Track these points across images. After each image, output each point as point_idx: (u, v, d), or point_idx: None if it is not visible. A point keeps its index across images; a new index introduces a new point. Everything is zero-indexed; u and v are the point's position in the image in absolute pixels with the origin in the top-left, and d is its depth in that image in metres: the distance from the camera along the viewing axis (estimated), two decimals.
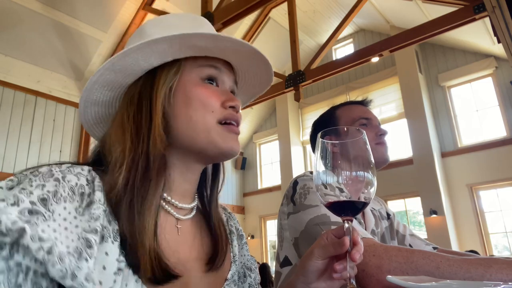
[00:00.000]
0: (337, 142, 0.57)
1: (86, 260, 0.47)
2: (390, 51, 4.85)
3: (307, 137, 9.79)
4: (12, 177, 0.50)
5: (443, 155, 7.80)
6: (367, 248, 0.73)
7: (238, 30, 8.20)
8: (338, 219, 0.76)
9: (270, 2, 4.32)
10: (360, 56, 5.10)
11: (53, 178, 0.50)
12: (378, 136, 1.11)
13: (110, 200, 0.55)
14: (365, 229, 1.09)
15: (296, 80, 5.48)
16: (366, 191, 0.56)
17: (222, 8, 4.46)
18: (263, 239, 10.15)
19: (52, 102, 7.19)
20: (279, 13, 8.38)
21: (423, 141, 7.62)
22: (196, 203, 0.70)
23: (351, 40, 9.77)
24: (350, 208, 0.56)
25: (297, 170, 9.46)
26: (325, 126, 1.02)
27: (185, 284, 0.59)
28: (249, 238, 10.09)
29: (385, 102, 8.70)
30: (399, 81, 8.34)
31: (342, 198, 0.55)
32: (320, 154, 0.57)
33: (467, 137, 7.79)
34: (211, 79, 0.65)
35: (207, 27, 0.71)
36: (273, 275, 1.13)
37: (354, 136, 0.57)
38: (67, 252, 0.46)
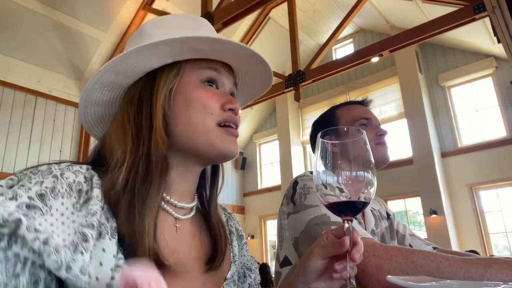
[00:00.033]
0: (337, 142, 0.57)
1: (82, 253, 0.48)
2: (390, 51, 4.85)
3: (307, 137, 9.79)
4: (12, 176, 0.51)
5: (443, 155, 7.80)
6: (367, 248, 0.73)
7: (238, 30, 8.20)
8: (338, 219, 0.76)
9: (270, 2, 4.32)
10: (360, 56, 5.10)
11: (52, 175, 0.51)
12: (378, 136, 1.12)
13: (109, 199, 0.55)
14: (365, 229, 1.09)
15: (296, 80, 5.48)
16: (366, 191, 0.56)
17: (222, 8, 4.47)
18: (263, 239, 10.15)
19: (52, 102, 7.20)
20: (279, 13, 8.38)
21: (423, 141, 7.62)
22: (195, 203, 0.70)
23: (351, 40, 9.77)
24: (350, 208, 0.56)
25: (297, 170, 9.47)
26: (325, 126, 1.02)
27: (184, 283, 0.60)
28: (249, 238, 10.09)
29: (385, 102, 8.70)
30: (399, 81, 8.34)
31: (342, 198, 0.55)
32: (320, 154, 0.57)
33: (467, 137, 7.79)
34: (211, 81, 0.66)
35: (207, 28, 0.71)
36: (273, 275, 1.13)
37: (354, 136, 0.57)
38: (63, 245, 0.46)
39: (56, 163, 0.54)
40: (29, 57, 6.68)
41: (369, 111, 1.19)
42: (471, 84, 8.01)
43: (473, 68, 7.84)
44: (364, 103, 1.21)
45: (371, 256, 0.72)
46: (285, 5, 6.51)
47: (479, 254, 3.92)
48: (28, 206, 0.46)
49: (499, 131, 7.42)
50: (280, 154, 9.97)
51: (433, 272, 0.66)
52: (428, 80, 8.35)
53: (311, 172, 1.00)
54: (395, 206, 8.19)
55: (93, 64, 7.35)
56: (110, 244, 0.52)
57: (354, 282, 0.54)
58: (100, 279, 0.49)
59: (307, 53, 9.30)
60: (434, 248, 1.13)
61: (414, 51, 8.13)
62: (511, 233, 7.06)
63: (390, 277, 0.57)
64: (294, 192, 0.97)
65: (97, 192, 0.53)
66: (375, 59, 5.07)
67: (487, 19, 4.21)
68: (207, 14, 4.51)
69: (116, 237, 0.53)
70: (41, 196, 0.48)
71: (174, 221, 0.64)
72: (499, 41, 3.13)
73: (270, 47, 8.95)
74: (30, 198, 0.47)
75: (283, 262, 0.99)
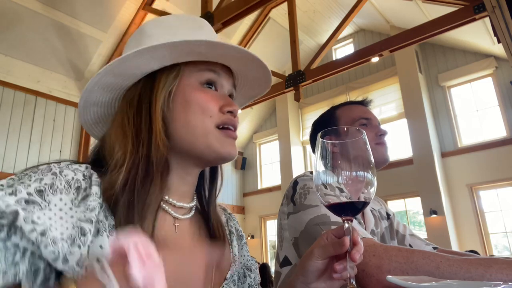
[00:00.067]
0: (337, 142, 0.57)
1: (79, 246, 0.48)
2: (390, 51, 4.85)
3: (307, 137, 9.78)
4: (13, 176, 0.52)
5: (443, 155, 7.80)
6: (367, 248, 0.73)
7: (238, 30, 8.19)
8: (338, 219, 0.76)
9: (270, 2, 4.33)
10: (360, 56, 5.10)
11: (51, 173, 0.52)
12: (378, 136, 1.12)
13: (108, 198, 0.55)
14: (365, 229, 1.09)
15: (296, 80, 5.48)
16: (366, 191, 0.56)
17: (222, 8, 4.47)
18: (263, 239, 10.15)
19: (52, 102, 7.19)
20: (279, 13, 8.38)
21: (423, 141, 7.62)
22: (195, 203, 0.70)
23: (351, 40, 9.77)
24: (350, 208, 0.56)
25: (297, 170, 9.46)
26: (325, 126, 1.02)
27: (183, 283, 0.60)
28: (249, 238, 10.09)
29: (385, 102, 8.70)
30: (399, 81, 8.34)
31: (342, 198, 0.55)
32: (320, 154, 0.57)
33: (467, 137, 7.79)
34: (210, 83, 0.66)
35: (207, 29, 0.71)
36: (273, 275, 1.13)
37: (354, 136, 0.57)
38: (60, 238, 0.47)
39: (56, 163, 0.55)
40: (29, 57, 6.68)
41: (369, 111, 1.19)
42: (471, 84, 8.01)
43: (473, 68, 7.84)
44: (364, 103, 1.21)
45: (371, 256, 0.72)
46: (285, 5, 6.51)
47: (479, 254, 3.92)
48: (27, 201, 0.47)
49: (499, 131, 7.42)
50: (280, 154, 9.97)
51: (433, 272, 0.66)
52: (428, 80, 8.35)
53: (311, 172, 1.00)
54: (395, 206, 8.19)
55: (93, 64, 7.35)
56: (108, 242, 0.52)
57: (354, 282, 0.54)
58: None
59: (307, 53, 9.30)
60: (434, 248, 1.13)
61: (414, 51, 8.13)
62: (511, 233, 7.06)
63: (390, 277, 0.57)
64: (294, 192, 0.97)
65: (95, 190, 0.54)
66: (375, 59, 5.08)
67: (487, 19, 4.21)
68: (207, 14, 4.51)
69: (114, 234, 0.53)
70: (40, 192, 0.49)
71: (173, 220, 0.64)
72: (499, 41, 3.13)
73: (270, 47, 8.95)
74: (29, 194, 0.48)
75: (283, 262, 0.99)
